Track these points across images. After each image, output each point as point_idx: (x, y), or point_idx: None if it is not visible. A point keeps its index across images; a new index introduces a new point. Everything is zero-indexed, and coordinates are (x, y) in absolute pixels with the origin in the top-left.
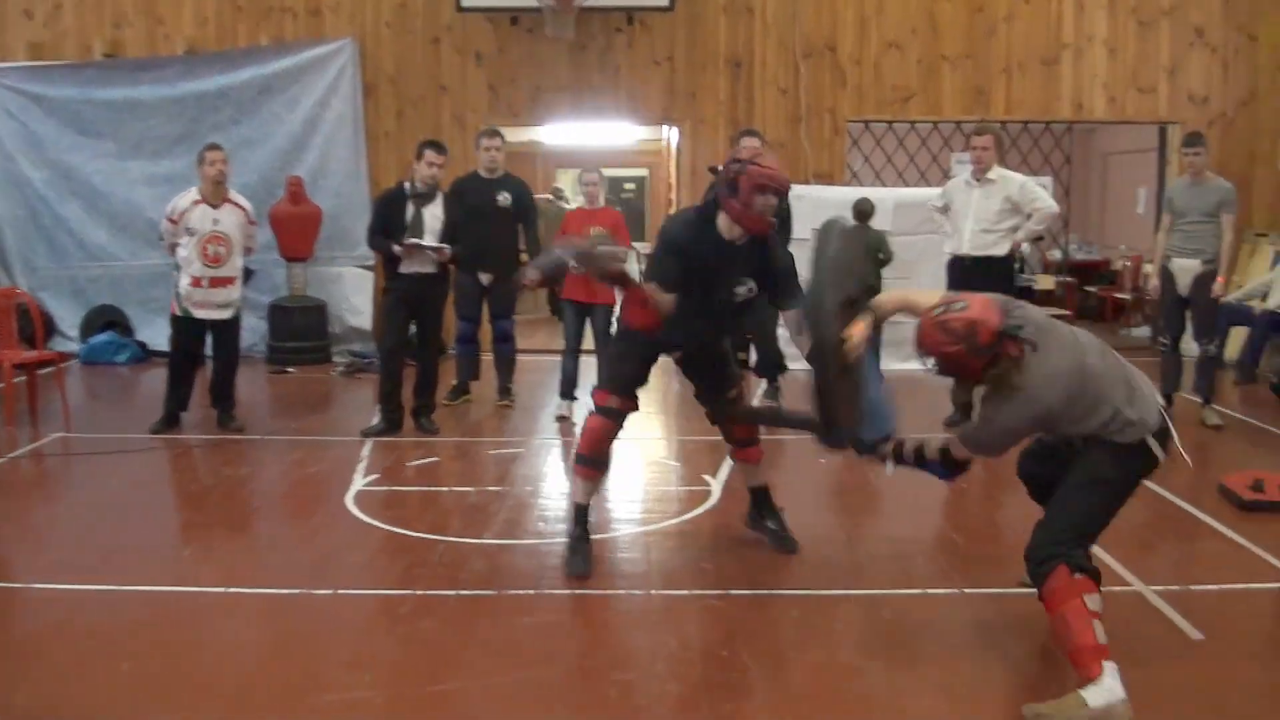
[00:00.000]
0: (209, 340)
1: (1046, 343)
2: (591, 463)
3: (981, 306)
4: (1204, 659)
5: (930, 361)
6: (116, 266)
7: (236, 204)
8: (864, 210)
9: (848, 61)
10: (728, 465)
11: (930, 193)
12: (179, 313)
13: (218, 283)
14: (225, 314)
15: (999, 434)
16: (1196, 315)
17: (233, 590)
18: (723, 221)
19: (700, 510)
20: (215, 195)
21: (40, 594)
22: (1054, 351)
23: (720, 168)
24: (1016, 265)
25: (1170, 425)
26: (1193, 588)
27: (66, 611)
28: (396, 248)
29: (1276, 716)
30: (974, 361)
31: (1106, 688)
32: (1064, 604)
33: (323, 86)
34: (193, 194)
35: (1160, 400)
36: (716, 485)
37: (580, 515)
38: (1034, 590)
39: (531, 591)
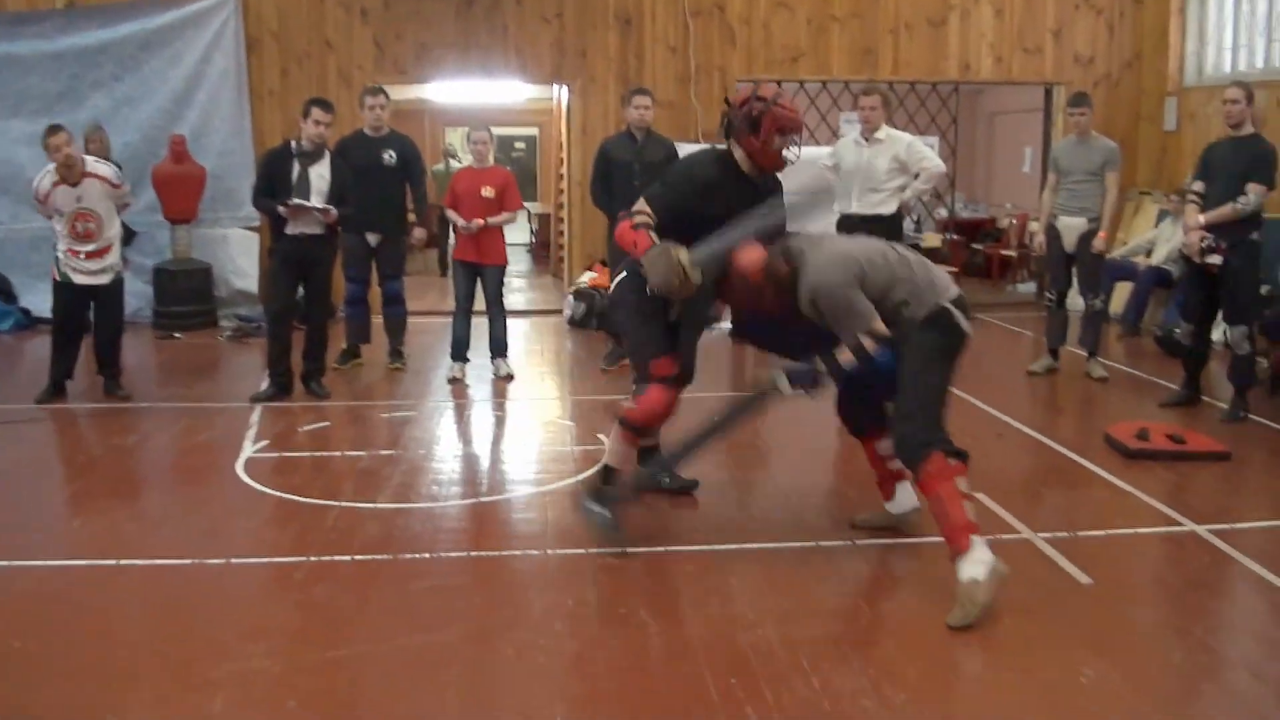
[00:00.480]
0: (92, 306)
1: (814, 248)
2: (641, 431)
3: (744, 253)
4: (1092, 602)
5: None
6: None
7: (95, 175)
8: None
9: (737, 20)
10: None
11: (819, 151)
12: (59, 278)
13: (93, 255)
14: (105, 279)
15: (841, 299)
16: (1082, 271)
17: (124, 562)
18: (739, 155)
19: (595, 469)
20: (71, 174)
21: None
22: (823, 250)
23: (733, 102)
24: (913, 220)
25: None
26: (1080, 534)
27: None
28: (281, 208)
29: (1161, 654)
30: (767, 289)
31: (977, 557)
32: (939, 486)
33: (205, 42)
34: (51, 174)
35: (955, 289)
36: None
37: (610, 477)
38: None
39: (427, 555)
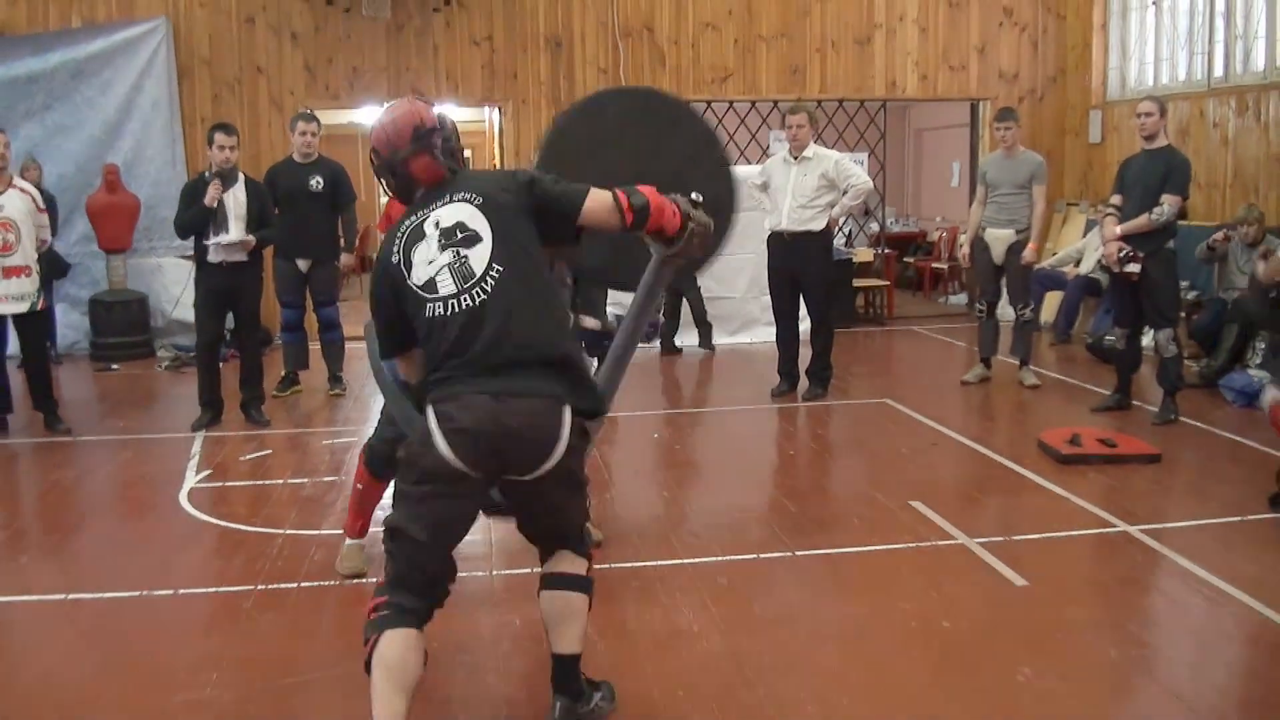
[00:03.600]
0: (17, 338)
1: None
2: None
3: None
4: (1027, 603)
5: None
6: None
7: (21, 189)
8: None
9: (666, 42)
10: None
11: (750, 170)
12: None
13: (10, 271)
14: (22, 306)
15: None
16: (1011, 282)
17: (71, 596)
18: None
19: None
20: None
21: None
22: None
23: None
24: (843, 235)
25: None
26: (1015, 538)
27: None
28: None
29: (1094, 651)
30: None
31: None
32: None
33: (136, 69)
34: (27, 186)
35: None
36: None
37: None
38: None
39: (374, 580)
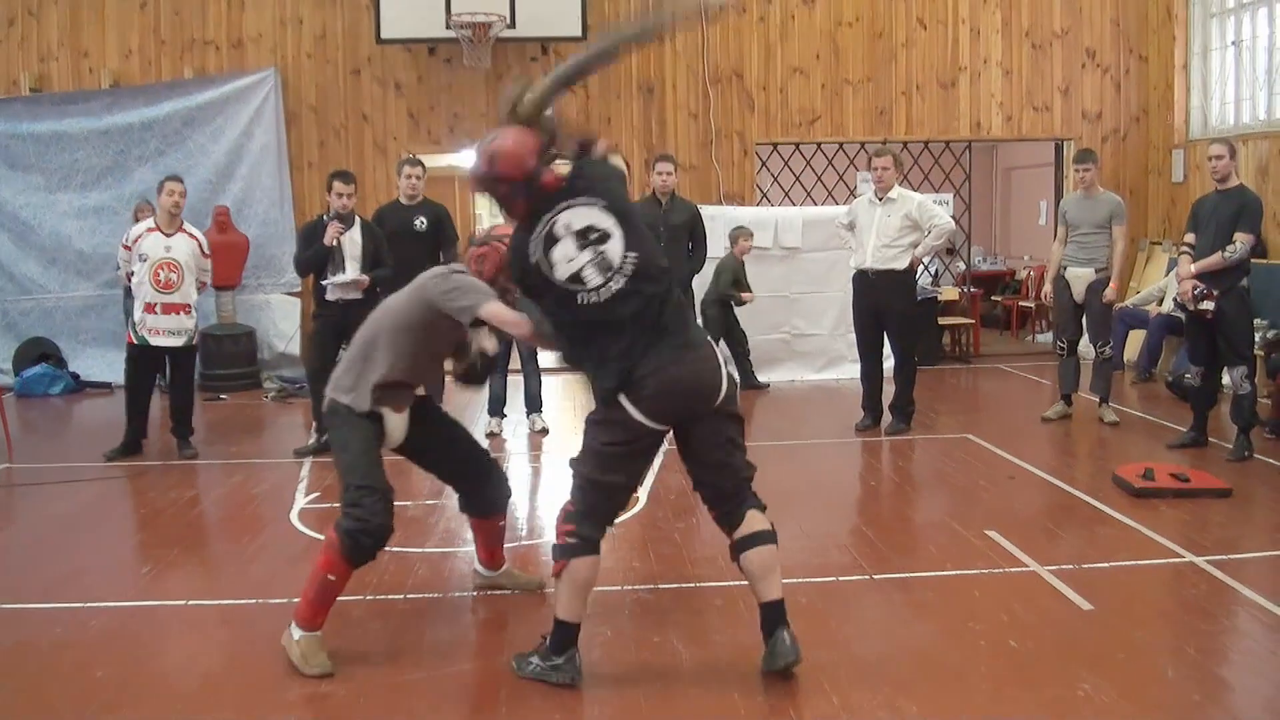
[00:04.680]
0: (168, 368)
1: None
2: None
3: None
4: (1092, 626)
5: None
6: (47, 299)
7: (190, 234)
8: (731, 236)
9: (755, 87)
10: (652, 474)
11: (837, 210)
12: (135, 341)
13: (170, 309)
14: (180, 340)
15: None
16: (1091, 320)
17: (193, 603)
18: None
19: (628, 515)
20: (170, 224)
21: (2, 615)
22: None
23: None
24: (926, 275)
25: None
26: (1085, 566)
27: (32, 630)
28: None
29: (1154, 671)
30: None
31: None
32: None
33: (246, 117)
34: (149, 222)
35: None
36: (642, 492)
37: None
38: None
39: (474, 593)
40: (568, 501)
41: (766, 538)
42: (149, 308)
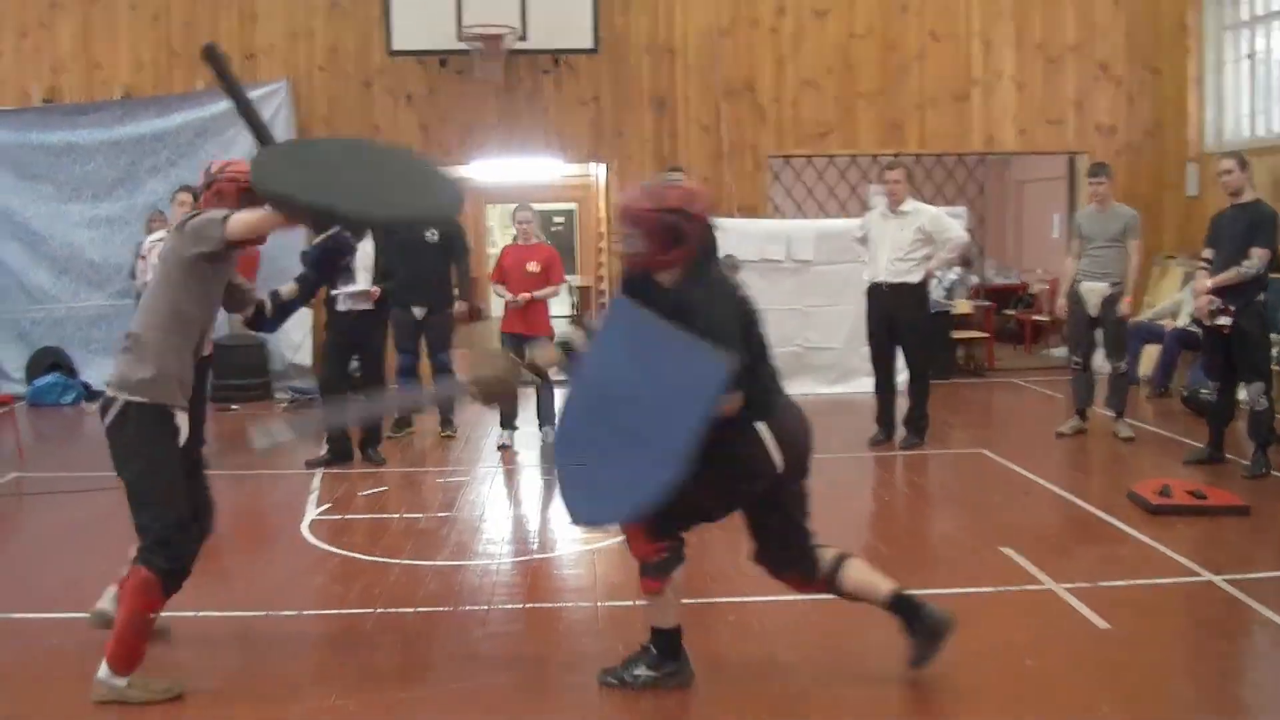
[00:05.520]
0: None
1: None
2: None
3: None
4: (1108, 645)
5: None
6: (58, 308)
7: None
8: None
9: (767, 99)
10: None
11: (850, 224)
12: None
13: None
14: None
15: None
16: (1106, 335)
17: (201, 614)
18: None
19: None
20: None
21: (5, 625)
22: None
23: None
24: (940, 289)
25: None
26: (1101, 584)
27: (38, 638)
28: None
29: (1170, 691)
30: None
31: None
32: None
33: None
34: (162, 232)
35: None
36: None
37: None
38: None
39: (485, 607)
40: (646, 522)
41: (845, 553)
42: None
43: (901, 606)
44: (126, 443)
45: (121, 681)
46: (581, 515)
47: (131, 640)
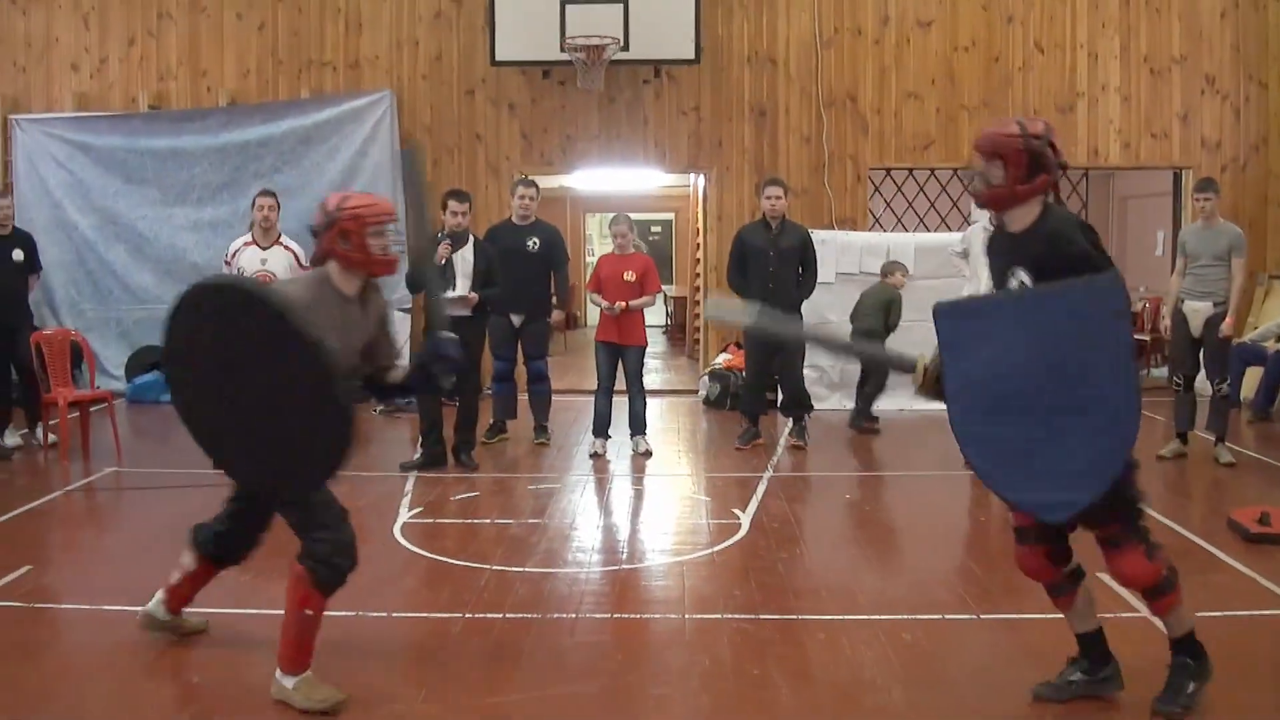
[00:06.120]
0: None
1: None
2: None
3: None
4: None
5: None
6: (160, 309)
7: (287, 247)
8: (885, 270)
9: (869, 110)
10: (755, 500)
11: (950, 238)
12: None
13: None
14: None
15: None
16: (1209, 355)
17: None
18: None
19: (730, 542)
20: (265, 238)
21: (100, 615)
22: None
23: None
24: None
25: None
26: (1197, 614)
27: (132, 631)
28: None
29: None
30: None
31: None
32: None
33: (361, 137)
34: (246, 237)
35: None
36: (745, 519)
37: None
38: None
39: (573, 615)
40: (1140, 541)
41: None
42: None
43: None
44: None
45: (289, 681)
46: (1051, 503)
47: (294, 638)
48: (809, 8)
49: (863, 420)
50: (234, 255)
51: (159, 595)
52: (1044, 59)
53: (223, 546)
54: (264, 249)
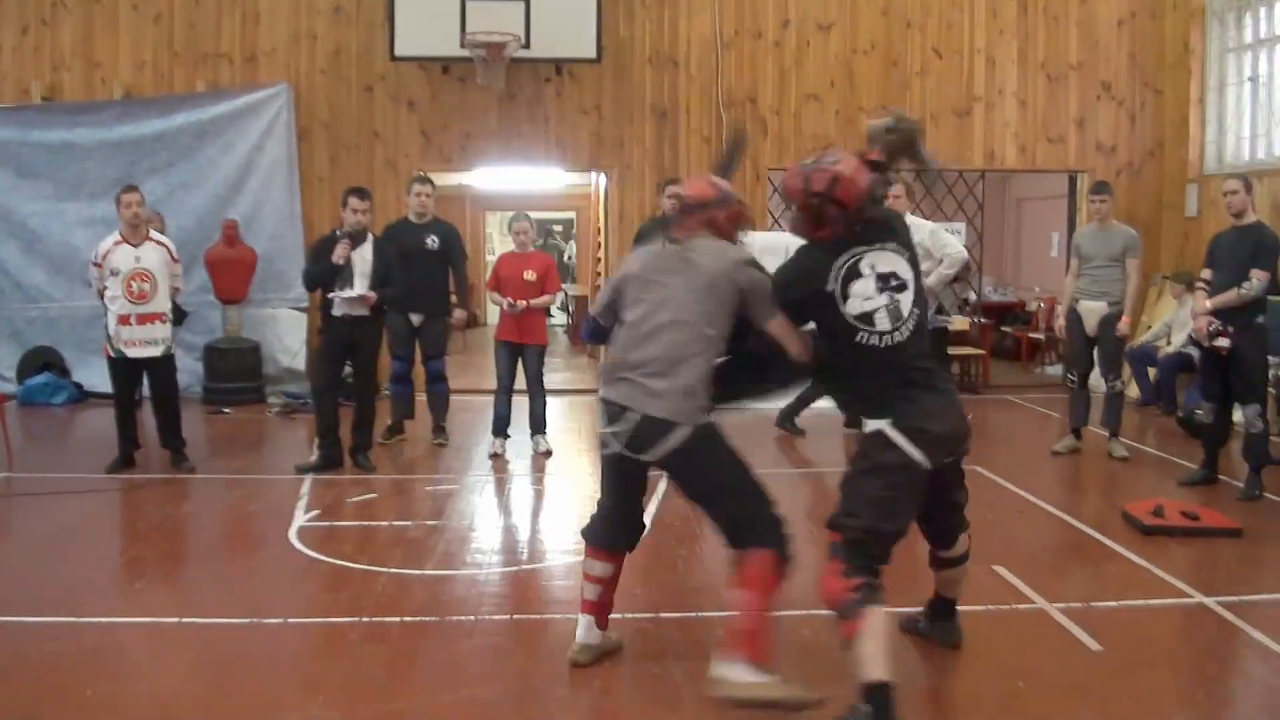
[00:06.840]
0: (146, 380)
1: None
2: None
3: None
4: (1100, 667)
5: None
6: (52, 308)
7: (158, 242)
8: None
9: (768, 112)
10: (656, 499)
11: None
12: (113, 354)
13: (145, 319)
14: (156, 351)
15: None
16: (1102, 354)
17: (186, 620)
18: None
19: None
20: (135, 235)
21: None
22: None
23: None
24: (942, 304)
25: None
26: (1094, 605)
27: (23, 643)
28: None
29: (1161, 715)
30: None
31: None
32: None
33: (258, 131)
34: (114, 236)
35: None
36: (646, 517)
37: None
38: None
39: (472, 618)
40: (834, 562)
41: (965, 559)
42: (123, 320)
43: (946, 609)
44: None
45: (764, 676)
46: None
47: (766, 627)
48: (710, 9)
49: (788, 422)
50: (104, 256)
51: (585, 620)
52: (942, 64)
53: (619, 534)
54: (135, 246)
